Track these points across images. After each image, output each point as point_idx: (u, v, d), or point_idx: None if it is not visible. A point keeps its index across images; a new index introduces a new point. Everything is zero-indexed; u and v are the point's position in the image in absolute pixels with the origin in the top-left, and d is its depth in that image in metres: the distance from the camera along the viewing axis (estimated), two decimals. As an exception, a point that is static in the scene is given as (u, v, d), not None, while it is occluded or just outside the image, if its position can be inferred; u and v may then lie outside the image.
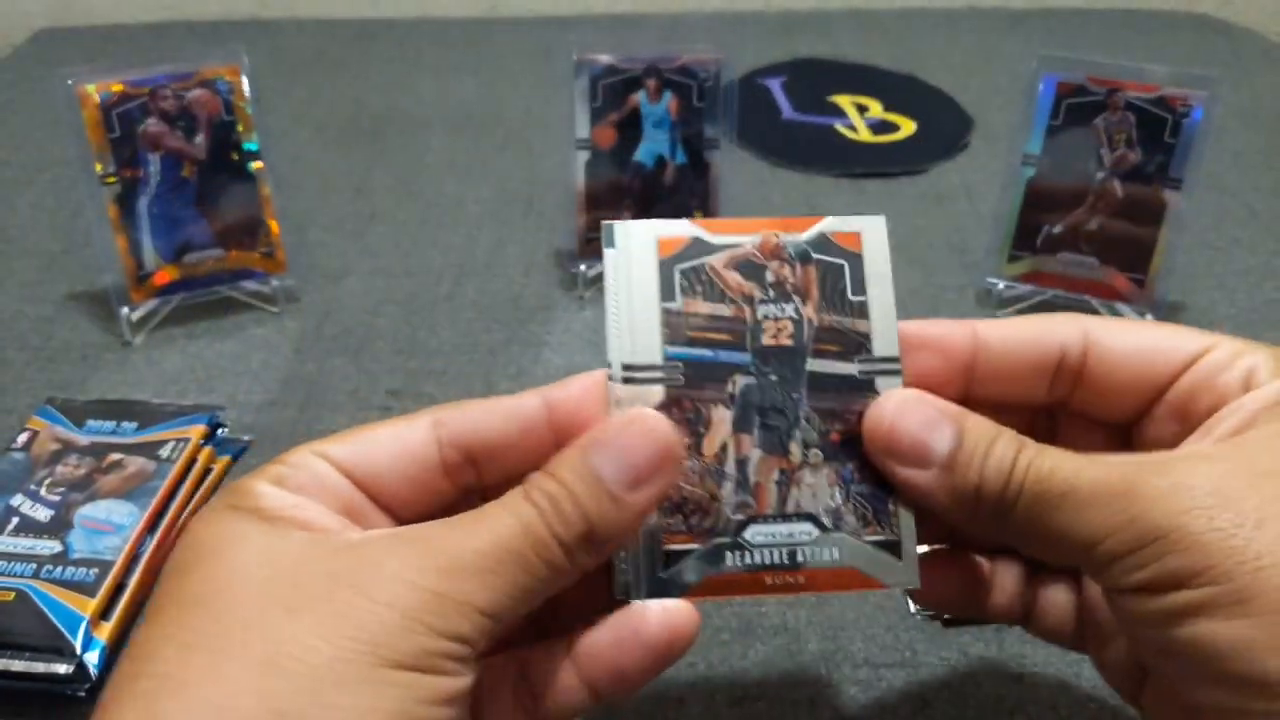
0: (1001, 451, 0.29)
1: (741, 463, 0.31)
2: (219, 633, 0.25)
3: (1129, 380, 0.32)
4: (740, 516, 0.30)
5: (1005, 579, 0.35)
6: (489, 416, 0.31)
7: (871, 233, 0.33)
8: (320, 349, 0.60)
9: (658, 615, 0.29)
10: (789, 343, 0.31)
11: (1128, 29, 1.03)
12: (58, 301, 0.64)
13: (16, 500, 0.47)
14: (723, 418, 0.31)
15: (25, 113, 0.86)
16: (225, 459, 0.52)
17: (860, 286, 0.32)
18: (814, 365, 0.31)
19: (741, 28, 1.03)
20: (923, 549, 0.31)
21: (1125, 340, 0.32)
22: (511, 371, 0.59)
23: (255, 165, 0.61)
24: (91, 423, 0.51)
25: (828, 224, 0.33)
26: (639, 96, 0.62)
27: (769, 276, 0.32)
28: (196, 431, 0.51)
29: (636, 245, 0.32)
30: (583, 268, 0.64)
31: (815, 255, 0.32)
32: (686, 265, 0.32)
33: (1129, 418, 0.33)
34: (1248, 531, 0.26)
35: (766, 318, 0.31)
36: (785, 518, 0.31)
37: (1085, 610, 0.34)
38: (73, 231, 0.70)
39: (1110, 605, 0.30)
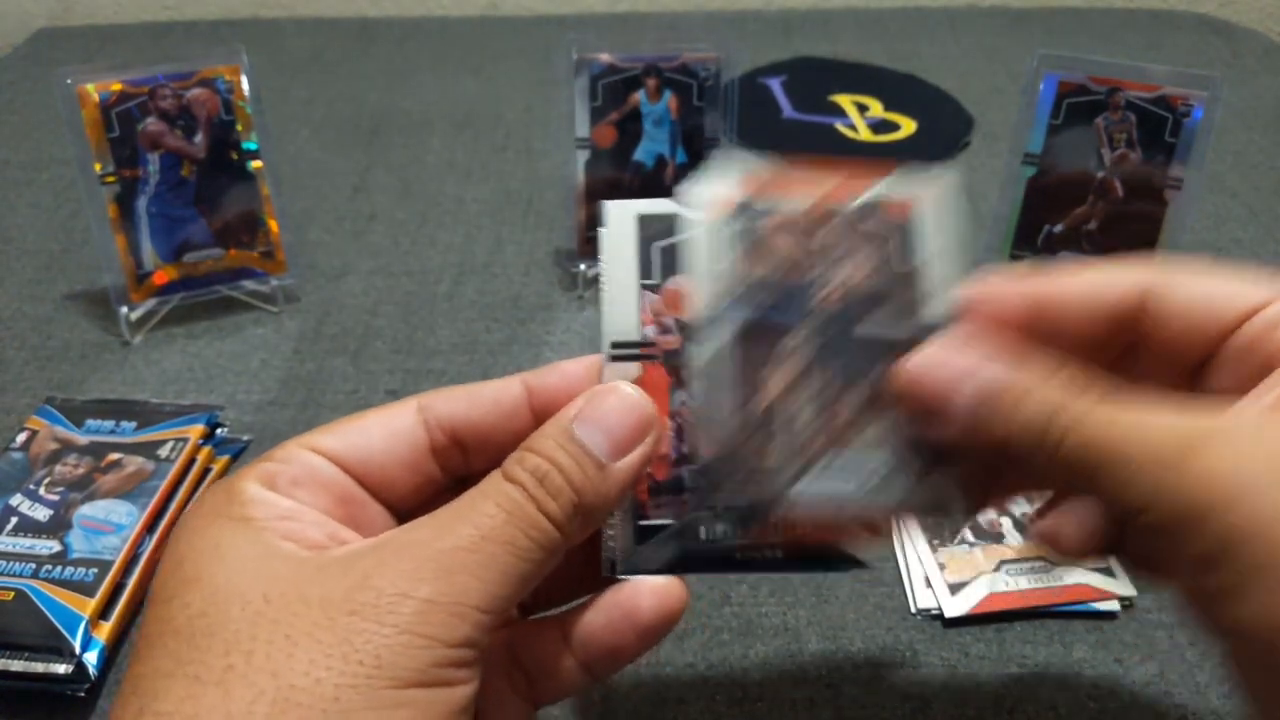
0: (1037, 403, 0.28)
1: (791, 418, 0.31)
2: (224, 667, 0.25)
3: (1187, 332, 0.31)
4: (794, 467, 0.30)
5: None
6: (472, 401, 0.31)
7: (932, 196, 0.32)
8: (319, 349, 0.60)
9: (650, 597, 0.30)
10: (838, 306, 0.31)
11: (1128, 28, 1.03)
12: (57, 301, 0.64)
13: (15, 500, 0.46)
14: (774, 375, 0.31)
15: (25, 112, 0.86)
16: (224, 459, 0.52)
17: (913, 251, 0.32)
18: (863, 328, 0.31)
19: (742, 27, 1.03)
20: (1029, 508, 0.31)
21: (1186, 291, 0.31)
22: (511, 371, 0.58)
23: (255, 164, 0.61)
24: (91, 422, 0.51)
25: (883, 187, 0.32)
26: (639, 96, 0.62)
27: (818, 242, 0.32)
28: (196, 431, 0.51)
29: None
30: (582, 267, 0.64)
31: (866, 221, 0.32)
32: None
33: (1192, 364, 0.31)
34: None
35: (817, 282, 0.31)
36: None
37: None
38: (72, 231, 0.70)
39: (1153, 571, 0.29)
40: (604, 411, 0.29)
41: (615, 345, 0.32)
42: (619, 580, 0.31)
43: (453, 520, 0.27)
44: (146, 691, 0.25)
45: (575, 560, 0.31)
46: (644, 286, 0.32)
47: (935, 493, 0.31)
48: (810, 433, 0.31)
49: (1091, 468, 0.27)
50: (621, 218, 0.33)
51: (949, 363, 0.30)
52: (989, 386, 0.28)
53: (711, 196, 0.32)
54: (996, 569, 0.44)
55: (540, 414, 0.31)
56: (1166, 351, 0.31)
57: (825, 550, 0.32)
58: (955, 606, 0.44)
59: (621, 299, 0.32)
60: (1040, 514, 0.31)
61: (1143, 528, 0.26)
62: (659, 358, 0.32)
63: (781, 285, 0.31)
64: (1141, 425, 0.27)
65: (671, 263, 0.33)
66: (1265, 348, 0.30)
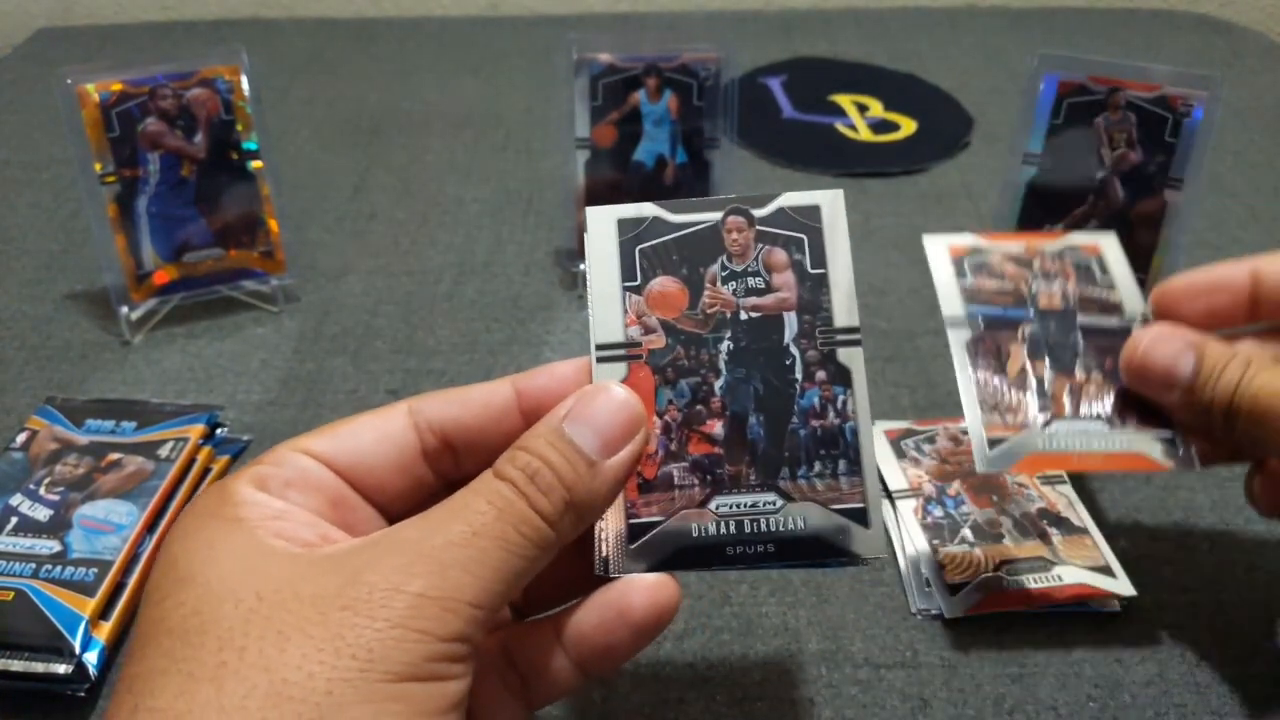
0: (1230, 373, 0.36)
1: (1040, 380, 0.41)
2: (218, 663, 0.25)
3: None
4: (1045, 415, 0.40)
5: None
6: (462, 403, 0.32)
7: (1109, 243, 0.46)
8: (319, 348, 0.60)
9: (642, 594, 0.30)
10: (1060, 306, 0.43)
11: (1128, 28, 1.03)
12: (57, 301, 0.64)
13: (15, 500, 0.46)
14: (1017, 351, 0.41)
15: (25, 112, 0.86)
16: (224, 459, 0.52)
17: (1107, 273, 0.44)
18: (1084, 320, 0.42)
19: (742, 26, 1.03)
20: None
21: None
22: (511, 371, 0.58)
23: (255, 164, 0.61)
24: (91, 422, 0.51)
25: (1074, 238, 0.46)
26: (639, 95, 0.62)
27: (1037, 268, 0.44)
28: (196, 431, 0.51)
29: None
30: (582, 267, 0.64)
31: (1068, 256, 0.45)
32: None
33: None
34: None
35: (1039, 291, 0.43)
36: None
37: None
38: (72, 231, 0.70)
39: None
40: (594, 410, 0.30)
41: (600, 347, 0.33)
42: (611, 579, 0.31)
43: (445, 517, 0.27)
44: (141, 690, 0.25)
45: (568, 562, 0.31)
46: (626, 289, 0.33)
47: (1162, 443, 0.39)
48: (1054, 390, 0.40)
49: (1260, 418, 0.35)
50: (602, 222, 0.34)
51: (1173, 339, 0.38)
52: (1209, 357, 0.37)
53: (951, 243, 0.45)
54: (997, 569, 0.44)
55: (530, 415, 0.31)
56: None
57: (819, 547, 0.32)
58: (955, 607, 0.44)
59: (606, 302, 0.33)
60: (1251, 478, 0.40)
61: None
62: (644, 358, 0.33)
63: (1014, 294, 0.43)
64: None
65: (652, 265, 0.33)
66: None
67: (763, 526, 0.32)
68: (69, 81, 0.56)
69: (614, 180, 0.64)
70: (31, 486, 0.47)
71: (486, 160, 0.80)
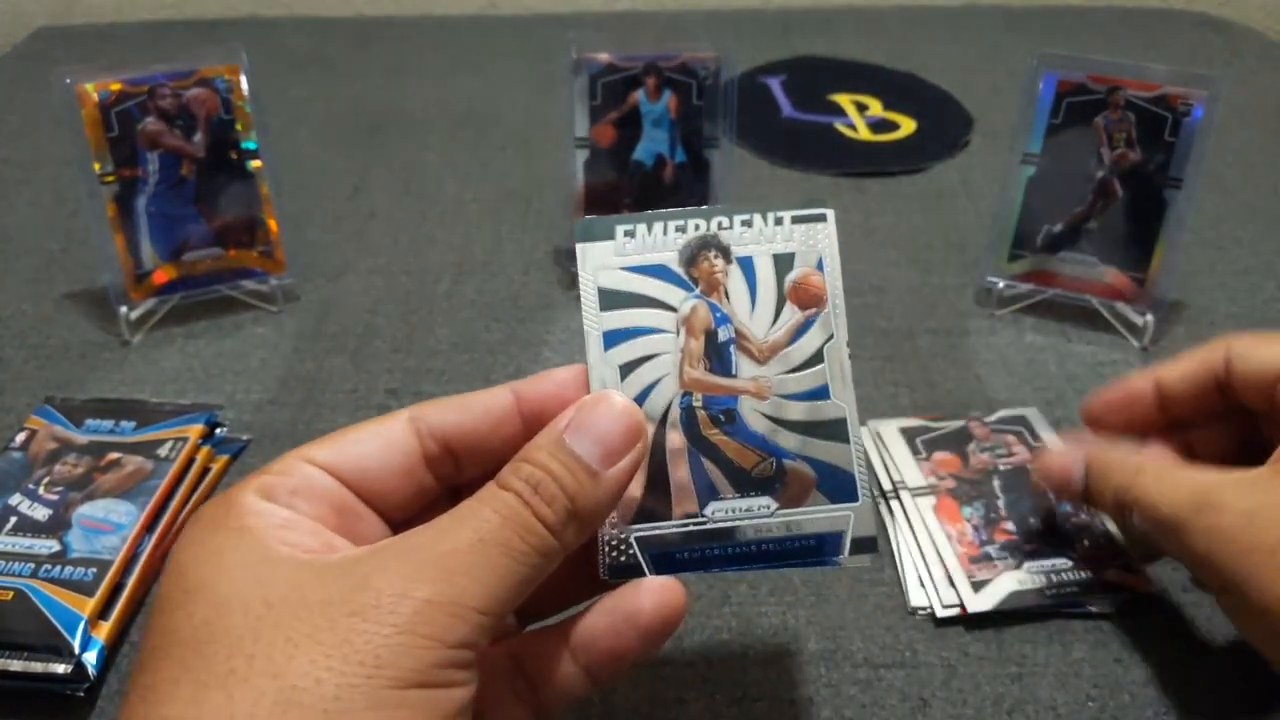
0: (1117, 477, 0.40)
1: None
2: (227, 671, 0.25)
3: (1258, 386, 0.40)
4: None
5: None
6: (463, 410, 0.32)
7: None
8: (319, 348, 0.60)
9: (650, 598, 0.30)
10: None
11: (1128, 27, 1.03)
12: (56, 300, 0.64)
13: (15, 499, 0.46)
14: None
15: (24, 111, 0.86)
16: (224, 458, 0.52)
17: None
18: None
19: (741, 26, 1.03)
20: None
21: (1255, 355, 0.40)
22: (510, 370, 0.59)
23: (254, 164, 0.61)
24: (90, 422, 0.51)
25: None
26: (638, 95, 0.62)
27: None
28: (195, 431, 0.51)
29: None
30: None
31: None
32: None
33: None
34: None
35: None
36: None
37: None
38: (71, 230, 0.70)
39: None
40: (594, 420, 0.30)
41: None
42: (616, 584, 0.31)
43: (452, 525, 0.28)
44: (153, 699, 0.25)
45: (574, 570, 0.31)
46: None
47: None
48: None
49: (1148, 519, 0.39)
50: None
51: (1067, 452, 0.43)
52: (1093, 466, 0.42)
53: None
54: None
55: (529, 420, 0.32)
56: (1259, 408, 0.41)
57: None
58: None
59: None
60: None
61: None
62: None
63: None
64: (1179, 486, 0.38)
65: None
66: None
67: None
68: (68, 81, 0.56)
69: (613, 180, 0.64)
70: (31, 486, 0.47)
71: (486, 160, 0.80)
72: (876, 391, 0.56)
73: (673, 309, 0.33)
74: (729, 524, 0.33)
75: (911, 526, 0.47)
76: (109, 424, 0.51)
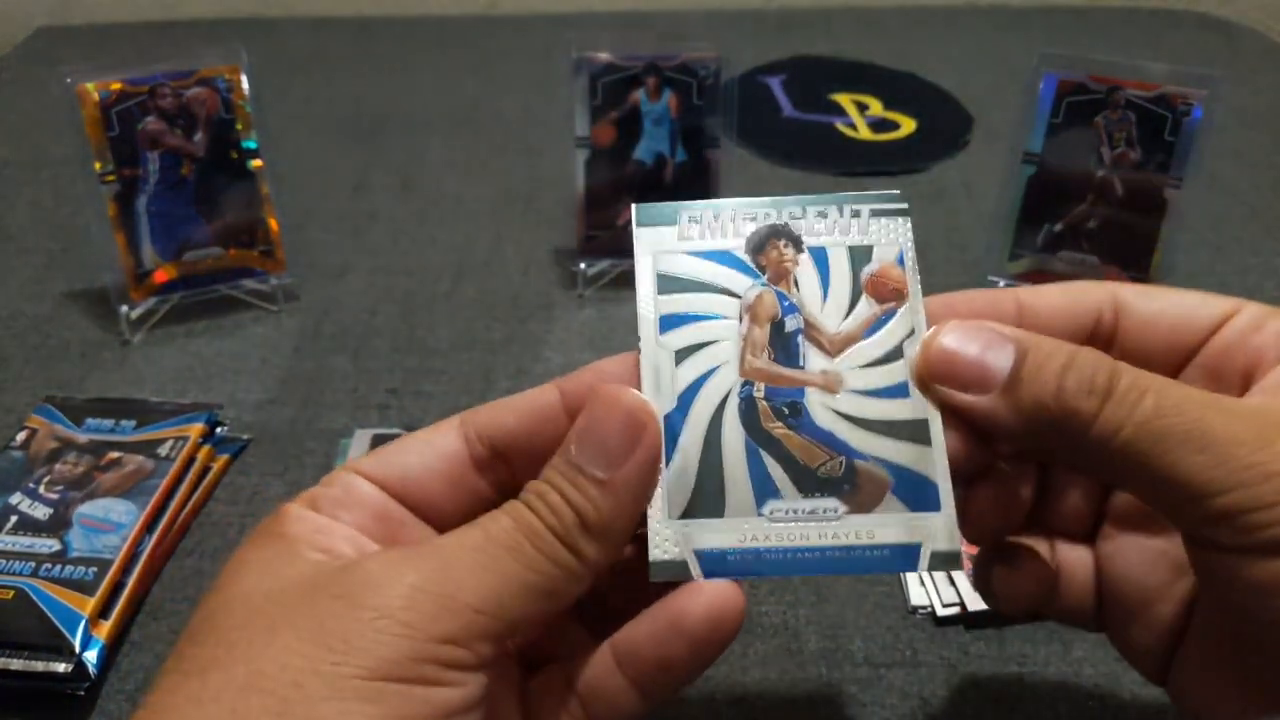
0: (1087, 370, 0.27)
1: None
2: (210, 659, 0.25)
3: (1160, 343, 0.31)
4: None
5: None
6: (508, 410, 0.31)
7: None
8: (319, 347, 0.60)
9: (699, 601, 0.28)
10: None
11: (1128, 27, 1.03)
12: (57, 299, 0.64)
13: (15, 498, 0.46)
14: None
15: (24, 111, 0.86)
16: (224, 457, 0.52)
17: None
18: None
19: (741, 25, 1.03)
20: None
21: (1154, 305, 0.31)
22: (511, 370, 0.59)
23: (254, 163, 0.61)
24: (90, 421, 0.51)
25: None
26: (639, 94, 0.62)
27: None
28: (195, 430, 0.51)
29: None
30: (582, 266, 0.64)
31: None
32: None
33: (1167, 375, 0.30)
34: None
35: None
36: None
37: (1107, 587, 0.33)
38: (72, 230, 0.70)
39: (1204, 563, 0.28)
40: (594, 425, 0.28)
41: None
42: (671, 588, 0.29)
43: (467, 527, 0.27)
44: (151, 686, 0.26)
45: (636, 583, 0.29)
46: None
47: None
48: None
49: (1169, 444, 0.26)
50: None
51: (980, 329, 0.29)
52: (1037, 349, 0.28)
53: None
54: None
55: (574, 416, 0.30)
56: (1137, 365, 0.29)
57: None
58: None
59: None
60: (984, 565, 0.33)
61: (1216, 511, 0.26)
62: None
63: None
64: (1222, 408, 0.27)
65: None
66: (1243, 353, 0.30)
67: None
68: (69, 80, 0.56)
69: (614, 179, 0.64)
70: (31, 485, 0.47)
71: (486, 159, 0.80)
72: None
73: (736, 295, 0.31)
74: (789, 525, 0.29)
75: None
76: (109, 423, 0.51)
